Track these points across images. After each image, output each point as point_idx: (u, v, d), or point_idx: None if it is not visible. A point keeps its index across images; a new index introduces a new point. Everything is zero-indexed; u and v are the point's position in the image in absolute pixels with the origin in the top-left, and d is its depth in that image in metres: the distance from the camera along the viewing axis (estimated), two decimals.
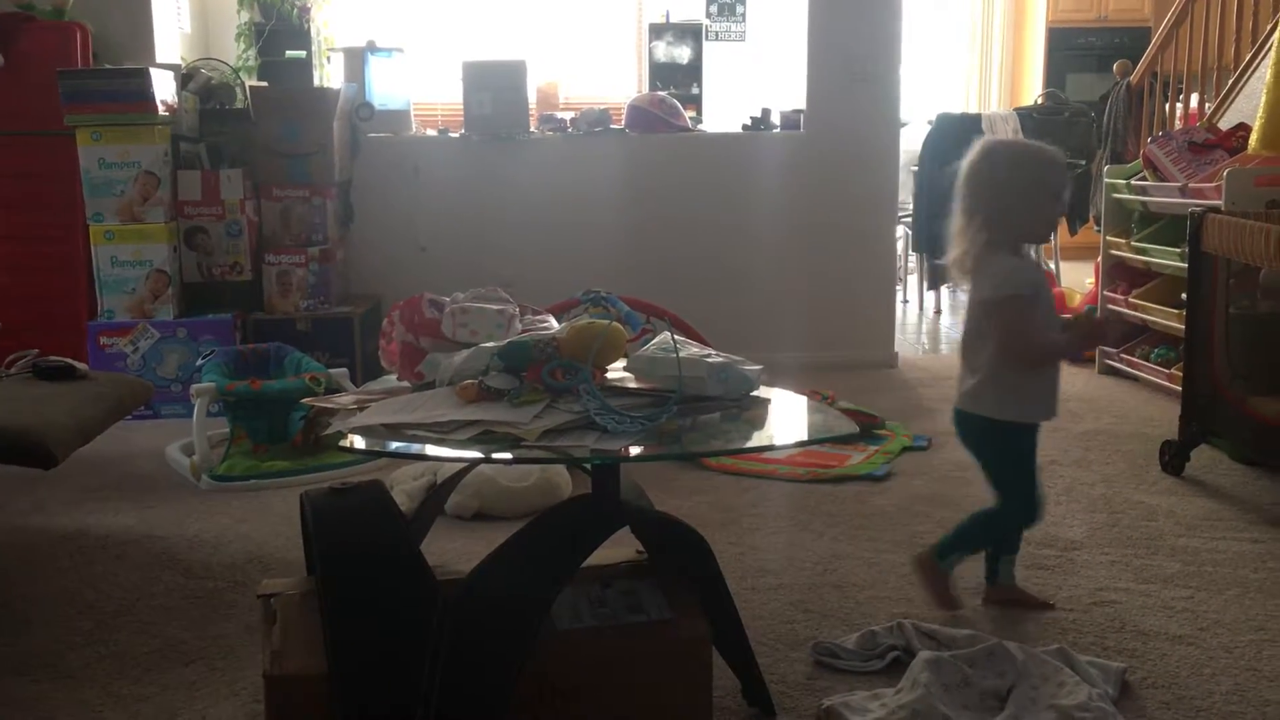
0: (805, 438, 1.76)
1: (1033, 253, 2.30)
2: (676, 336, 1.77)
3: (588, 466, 1.77)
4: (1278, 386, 3.03)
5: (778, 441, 1.70)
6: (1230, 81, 4.49)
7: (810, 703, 1.99)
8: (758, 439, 1.71)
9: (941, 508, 3.03)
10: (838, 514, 3.00)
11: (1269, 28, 3.97)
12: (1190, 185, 3.92)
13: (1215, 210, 3.33)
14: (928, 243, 6.26)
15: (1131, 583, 2.51)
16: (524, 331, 1.96)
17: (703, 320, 4.00)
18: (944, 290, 6.66)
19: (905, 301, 6.80)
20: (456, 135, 4.86)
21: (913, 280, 6.87)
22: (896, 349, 5.04)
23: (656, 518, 1.80)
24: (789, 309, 4.87)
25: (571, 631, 1.70)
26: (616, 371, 1.80)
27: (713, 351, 1.77)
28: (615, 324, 1.77)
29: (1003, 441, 2.25)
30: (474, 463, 1.86)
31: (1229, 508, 2.99)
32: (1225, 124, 4.34)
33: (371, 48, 4.88)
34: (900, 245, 6.88)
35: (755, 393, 1.82)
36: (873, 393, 4.30)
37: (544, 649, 1.66)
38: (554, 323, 2.06)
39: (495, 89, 4.66)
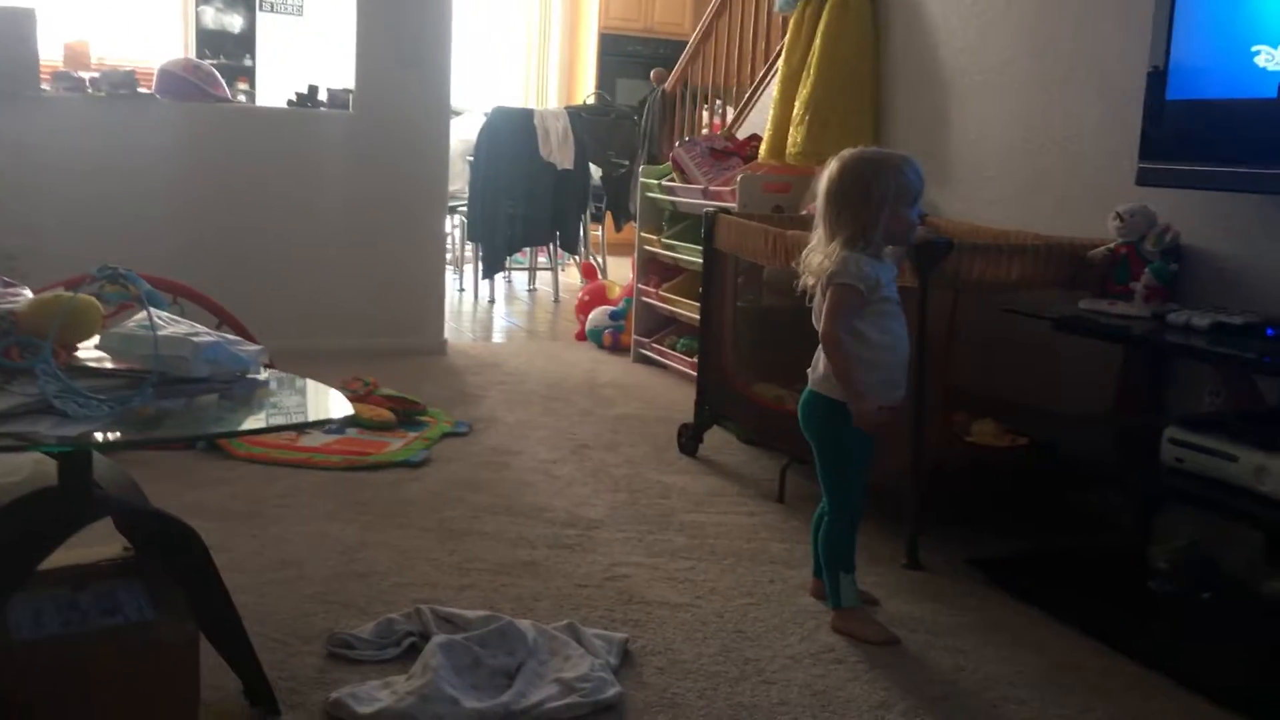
0: (294, 420, 1.68)
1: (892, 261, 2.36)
2: (163, 314, 1.63)
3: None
4: (777, 374, 3.33)
5: (267, 424, 1.60)
6: (746, 95, 4.91)
7: (320, 696, 1.92)
8: (251, 423, 1.62)
9: (475, 492, 3.06)
10: (370, 502, 2.94)
11: (778, 49, 4.38)
12: (710, 187, 4.24)
13: (728, 211, 3.61)
14: (483, 231, 6.35)
15: (643, 557, 2.66)
16: None
17: (246, 304, 3.78)
18: (499, 279, 6.78)
19: (461, 290, 6.85)
20: None
21: (469, 269, 6.94)
22: (447, 336, 5.05)
23: (138, 510, 1.65)
24: (338, 294, 4.73)
25: (31, 642, 1.52)
26: (89, 350, 1.63)
27: (202, 330, 1.65)
28: (86, 297, 1.60)
29: (843, 423, 2.26)
30: None
31: (732, 484, 3.26)
32: (742, 134, 4.74)
33: None
34: (456, 234, 6.94)
35: (255, 375, 1.72)
36: (419, 379, 4.28)
37: None
38: (29, 297, 1.84)
39: None
